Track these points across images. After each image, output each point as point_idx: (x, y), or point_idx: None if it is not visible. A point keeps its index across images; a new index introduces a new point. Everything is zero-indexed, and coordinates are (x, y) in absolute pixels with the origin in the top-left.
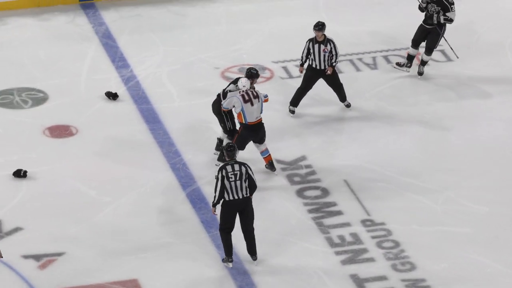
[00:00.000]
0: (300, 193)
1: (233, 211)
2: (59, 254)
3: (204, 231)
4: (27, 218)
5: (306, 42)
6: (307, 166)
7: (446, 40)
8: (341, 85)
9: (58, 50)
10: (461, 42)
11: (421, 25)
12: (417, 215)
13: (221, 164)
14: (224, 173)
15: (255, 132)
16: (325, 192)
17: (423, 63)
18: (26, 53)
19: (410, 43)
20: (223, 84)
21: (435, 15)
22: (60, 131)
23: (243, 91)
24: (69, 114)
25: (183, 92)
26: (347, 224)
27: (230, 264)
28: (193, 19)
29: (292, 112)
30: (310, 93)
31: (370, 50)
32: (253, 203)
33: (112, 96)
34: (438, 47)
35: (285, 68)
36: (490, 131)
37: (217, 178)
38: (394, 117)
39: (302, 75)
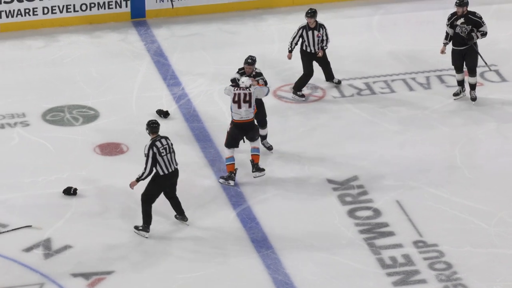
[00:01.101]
0: (351, 213)
1: (165, 184)
2: (109, 273)
3: (254, 251)
4: (77, 236)
5: (299, 30)
6: (359, 186)
7: (479, 54)
8: (329, 63)
9: (110, 68)
10: None
11: (452, 49)
12: (470, 236)
13: None
14: (155, 150)
15: (244, 130)
16: (377, 212)
17: (472, 86)
18: (78, 70)
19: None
20: (274, 103)
21: (470, 34)
22: (111, 149)
23: (238, 89)
24: (120, 132)
25: None
26: (399, 245)
27: (146, 235)
28: (245, 37)
29: (302, 96)
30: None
31: (423, 69)
32: (301, 225)
33: (163, 114)
34: (493, 67)
35: (337, 87)
36: None
37: (147, 156)
38: (444, 137)
39: (298, 62)
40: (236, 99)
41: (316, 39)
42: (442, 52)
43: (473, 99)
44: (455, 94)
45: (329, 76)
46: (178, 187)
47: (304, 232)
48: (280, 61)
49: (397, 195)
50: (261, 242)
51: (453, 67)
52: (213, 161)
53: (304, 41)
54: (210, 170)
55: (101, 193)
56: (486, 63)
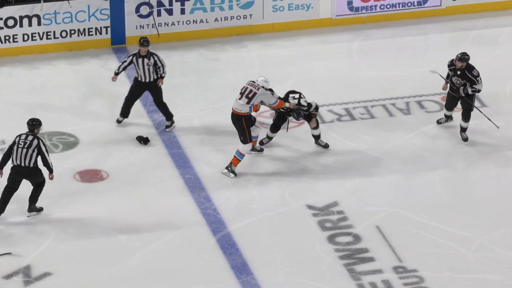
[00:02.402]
0: (331, 239)
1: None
2: None
3: (234, 277)
4: (57, 263)
5: (129, 56)
6: (339, 212)
7: (481, 112)
8: (162, 103)
9: (90, 94)
10: (496, 87)
11: (448, 93)
12: (449, 262)
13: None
14: (16, 140)
15: (232, 120)
16: (357, 238)
17: (463, 129)
18: (58, 97)
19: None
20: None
21: (461, 88)
22: (91, 176)
23: (250, 83)
24: (100, 158)
25: (214, 136)
26: (379, 271)
27: None
28: (225, 64)
29: (119, 121)
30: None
31: (403, 95)
32: (281, 251)
33: (143, 140)
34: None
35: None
36: None
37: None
38: (423, 162)
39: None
40: (242, 90)
41: (146, 67)
42: (444, 89)
43: (465, 139)
44: (438, 122)
45: (168, 116)
46: (158, 212)
47: (284, 258)
48: None
49: (377, 221)
50: (241, 269)
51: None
52: (193, 188)
53: (136, 69)
54: (190, 197)
55: (81, 220)
56: (489, 119)
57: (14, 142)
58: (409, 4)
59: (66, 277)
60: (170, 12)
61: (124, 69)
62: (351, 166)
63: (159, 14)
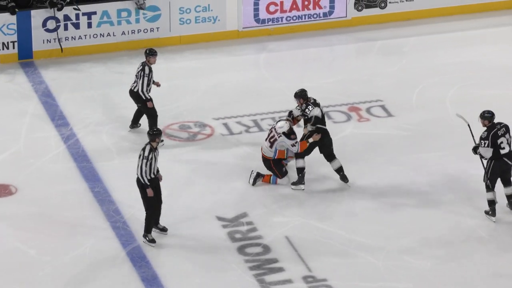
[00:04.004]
0: (241, 250)
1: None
2: None
3: None
4: None
5: (148, 74)
6: (248, 223)
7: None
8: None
9: None
10: (402, 97)
11: None
12: (359, 271)
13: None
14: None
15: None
16: (266, 249)
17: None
18: None
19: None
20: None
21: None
22: (0, 191)
23: (274, 126)
24: (8, 173)
25: (123, 150)
26: (288, 281)
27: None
28: (132, 77)
29: (132, 127)
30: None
31: None
32: (191, 263)
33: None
34: (378, 103)
35: (225, 125)
36: (429, 183)
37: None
38: (331, 173)
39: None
40: (268, 132)
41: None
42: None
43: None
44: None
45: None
46: (68, 226)
47: (195, 270)
48: (168, 99)
49: (286, 231)
50: (151, 281)
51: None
52: (102, 201)
53: (150, 82)
54: (99, 210)
55: None
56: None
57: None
58: (315, 16)
59: None
60: (77, 26)
61: (150, 84)
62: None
63: (65, 28)
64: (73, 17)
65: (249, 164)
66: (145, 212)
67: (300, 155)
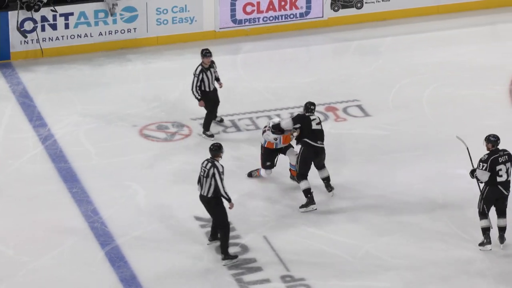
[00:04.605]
0: (219, 249)
1: (203, 204)
2: None
3: None
4: None
5: (198, 75)
6: None
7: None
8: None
9: None
10: (379, 97)
11: None
12: (336, 270)
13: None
14: (201, 166)
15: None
16: (244, 248)
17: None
18: None
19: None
20: (141, 142)
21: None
22: None
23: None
24: None
25: (101, 150)
26: (266, 280)
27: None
28: (110, 77)
29: (212, 136)
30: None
31: (288, 106)
32: (170, 262)
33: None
34: (355, 103)
35: (203, 125)
36: (406, 182)
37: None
38: (312, 170)
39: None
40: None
41: (213, 76)
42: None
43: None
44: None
45: (215, 115)
46: (46, 226)
47: (173, 270)
48: (146, 99)
49: (264, 231)
50: (130, 281)
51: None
52: (80, 202)
53: (204, 83)
54: (77, 210)
55: None
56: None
57: (200, 168)
58: (291, 16)
59: None
60: (54, 27)
61: (200, 88)
62: (238, 177)
63: (43, 29)
64: (50, 18)
65: (226, 165)
66: (221, 229)
67: (299, 177)
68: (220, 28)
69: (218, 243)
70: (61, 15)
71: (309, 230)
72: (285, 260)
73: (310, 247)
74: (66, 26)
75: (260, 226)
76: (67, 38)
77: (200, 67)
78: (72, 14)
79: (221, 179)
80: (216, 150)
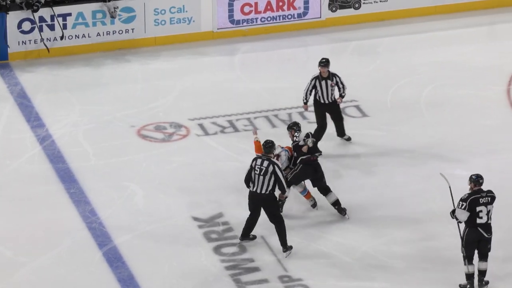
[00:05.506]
0: (217, 250)
1: (252, 201)
2: None
3: None
4: None
5: (311, 80)
6: (224, 223)
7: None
8: (342, 118)
9: None
10: (377, 98)
11: None
12: (334, 270)
13: None
14: (253, 164)
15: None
16: (242, 248)
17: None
18: None
19: None
20: (139, 143)
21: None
22: None
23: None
24: None
25: (99, 151)
26: (264, 281)
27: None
28: (109, 78)
29: (348, 139)
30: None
31: (285, 106)
32: (168, 263)
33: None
34: (353, 103)
35: (201, 126)
36: (403, 182)
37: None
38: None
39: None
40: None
41: (330, 88)
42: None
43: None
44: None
45: (340, 131)
46: (44, 227)
47: (171, 270)
48: (144, 100)
49: (262, 231)
50: (127, 281)
51: None
52: (78, 202)
53: (318, 91)
54: (75, 211)
55: None
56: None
57: (251, 167)
58: (289, 17)
59: None
60: (52, 27)
61: (310, 94)
62: (236, 178)
63: (41, 29)
64: (48, 19)
65: (224, 165)
66: (279, 224)
67: (288, 185)
68: (218, 29)
69: (248, 242)
70: (59, 15)
71: (307, 230)
72: (283, 260)
73: (308, 247)
74: (64, 26)
75: (258, 226)
76: (65, 39)
77: (317, 75)
78: (70, 14)
79: (283, 175)
80: (271, 147)
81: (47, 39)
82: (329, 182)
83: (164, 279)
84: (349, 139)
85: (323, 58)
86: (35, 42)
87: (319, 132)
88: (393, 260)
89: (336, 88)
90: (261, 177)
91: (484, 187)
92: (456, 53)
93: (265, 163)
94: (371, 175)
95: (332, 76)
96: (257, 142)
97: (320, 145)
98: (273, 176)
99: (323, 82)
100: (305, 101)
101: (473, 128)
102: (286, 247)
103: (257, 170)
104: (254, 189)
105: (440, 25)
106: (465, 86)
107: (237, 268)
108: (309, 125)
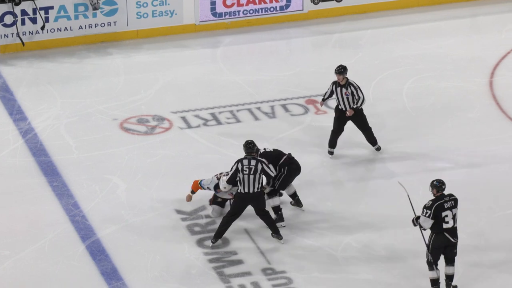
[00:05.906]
0: (200, 243)
1: (243, 203)
2: None
3: (105, 283)
4: None
5: (331, 84)
6: (207, 216)
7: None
8: (369, 128)
9: None
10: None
11: None
12: (318, 262)
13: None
14: (239, 166)
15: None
16: (225, 241)
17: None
18: None
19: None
20: (121, 136)
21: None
22: None
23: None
24: None
25: (81, 144)
26: (248, 273)
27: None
28: (90, 71)
29: (331, 153)
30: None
31: (268, 99)
32: (151, 256)
33: None
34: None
35: (183, 118)
36: (386, 174)
37: (231, 169)
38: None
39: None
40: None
41: (344, 96)
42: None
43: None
44: None
45: (370, 141)
46: (27, 220)
47: (154, 263)
48: (126, 93)
49: (245, 224)
50: (111, 274)
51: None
52: (61, 195)
53: (334, 95)
54: (58, 204)
55: None
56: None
57: (236, 169)
58: (271, 9)
59: None
60: (34, 20)
61: (329, 96)
62: (219, 171)
63: (23, 23)
64: (30, 12)
65: (206, 158)
66: (267, 216)
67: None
68: (200, 21)
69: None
70: (41, 8)
71: (290, 223)
72: (266, 253)
73: (291, 240)
74: (46, 20)
75: (241, 219)
76: (47, 32)
77: (335, 81)
78: (52, 7)
79: (271, 169)
80: (254, 146)
81: (29, 32)
82: (310, 174)
83: (147, 272)
84: (378, 149)
85: (339, 65)
86: (17, 35)
87: (332, 135)
88: (377, 252)
89: (352, 98)
90: (251, 176)
91: (467, 179)
92: (439, 45)
93: (253, 162)
94: (351, 167)
95: (348, 85)
96: (195, 181)
97: (320, 144)
98: (262, 173)
99: (339, 89)
100: (322, 98)
101: (455, 120)
102: (278, 233)
103: (245, 171)
104: (245, 190)
105: (423, 18)
106: (448, 79)
107: (221, 260)
108: (291, 118)
